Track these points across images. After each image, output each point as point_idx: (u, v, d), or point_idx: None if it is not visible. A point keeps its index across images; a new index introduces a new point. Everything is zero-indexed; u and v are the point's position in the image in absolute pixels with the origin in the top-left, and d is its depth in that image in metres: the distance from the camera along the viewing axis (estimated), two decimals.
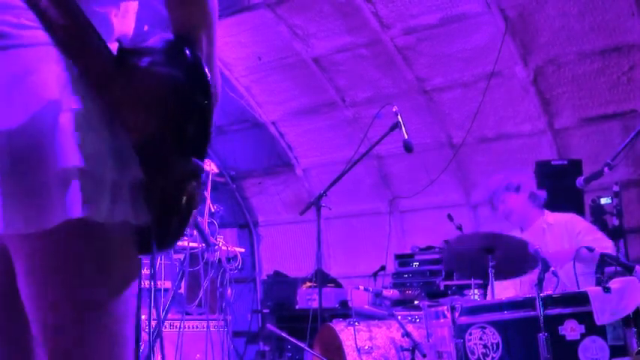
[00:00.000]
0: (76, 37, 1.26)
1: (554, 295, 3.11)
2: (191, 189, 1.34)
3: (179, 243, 4.52)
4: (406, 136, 4.54)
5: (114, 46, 1.34)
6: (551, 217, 4.33)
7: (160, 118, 1.30)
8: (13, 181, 1.20)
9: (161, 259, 4.60)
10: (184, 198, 1.34)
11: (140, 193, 1.30)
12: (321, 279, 4.81)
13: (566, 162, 5.66)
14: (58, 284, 1.24)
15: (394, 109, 4.63)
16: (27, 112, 1.21)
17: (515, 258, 3.80)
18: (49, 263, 1.24)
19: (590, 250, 3.51)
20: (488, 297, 4.21)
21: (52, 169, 1.20)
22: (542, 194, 4.35)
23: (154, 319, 3.33)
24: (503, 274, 3.77)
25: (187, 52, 1.34)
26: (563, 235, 4.14)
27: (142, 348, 3.24)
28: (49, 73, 1.24)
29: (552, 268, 3.33)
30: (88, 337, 1.26)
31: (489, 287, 3.72)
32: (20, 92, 1.22)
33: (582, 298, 3.04)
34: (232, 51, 7.00)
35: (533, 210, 4.34)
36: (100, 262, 1.27)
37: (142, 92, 1.29)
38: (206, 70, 1.34)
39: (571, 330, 3.01)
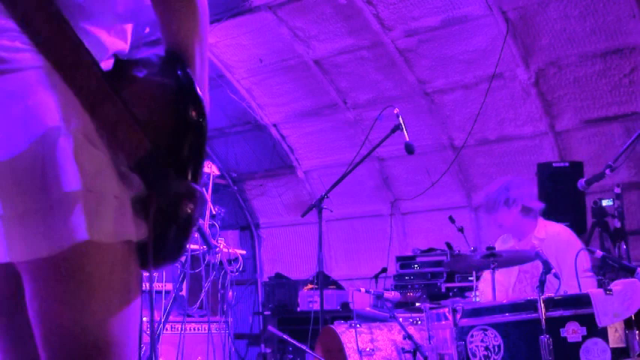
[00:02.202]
0: (69, 57, 1.26)
1: (555, 297, 3.11)
2: (187, 209, 1.35)
3: None
4: (407, 138, 4.54)
5: (108, 63, 1.35)
6: (543, 230, 4.19)
7: (154, 137, 1.31)
8: (16, 207, 1.21)
9: None
10: (182, 216, 1.34)
11: (139, 209, 1.31)
12: (323, 281, 4.81)
13: (567, 164, 5.66)
14: (64, 306, 1.24)
15: (395, 111, 4.63)
16: (27, 137, 1.21)
17: (516, 260, 3.82)
18: (54, 287, 1.24)
19: (592, 251, 3.51)
20: (480, 298, 4.23)
21: (55, 194, 1.21)
22: (537, 205, 4.20)
23: (155, 322, 3.33)
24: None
25: (179, 72, 1.34)
26: (554, 252, 4.01)
27: (142, 350, 3.24)
28: (47, 96, 1.24)
29: (554, 270, 3.33)
30: (92, 355, 1.26)
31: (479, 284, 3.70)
32: (19, 115, 1.22)
33: (584, 300, 3.03)
34: (234, 53, 7.01)
35: (525, 223, 4.19)
36: (106, 281, 1.27)
37: (136, 113, 1.30)
38: (198, 90, 1.34)
39: (573, 332, 3.00)
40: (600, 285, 3.15)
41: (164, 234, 1.34)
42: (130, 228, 1.29)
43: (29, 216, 1.21)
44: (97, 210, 1.24)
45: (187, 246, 1.44)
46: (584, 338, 2.98)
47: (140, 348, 2.44)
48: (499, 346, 3.11)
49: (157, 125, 1.31)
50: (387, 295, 4.91)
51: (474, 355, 3.18)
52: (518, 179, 4.47)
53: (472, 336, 3.20)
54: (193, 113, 1.33)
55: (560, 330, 3.01)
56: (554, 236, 4.10)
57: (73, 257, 1.23)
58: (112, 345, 1.28)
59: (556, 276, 3.35)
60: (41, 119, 1.22)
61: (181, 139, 1.33)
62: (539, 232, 4.16)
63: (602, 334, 2.98)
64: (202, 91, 1.36)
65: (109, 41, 1.37)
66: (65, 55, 1.26)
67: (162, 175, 1.31)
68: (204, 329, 4.82)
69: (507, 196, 4.14)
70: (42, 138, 1.21)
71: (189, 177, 1.35)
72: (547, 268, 3.28)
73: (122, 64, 1.36)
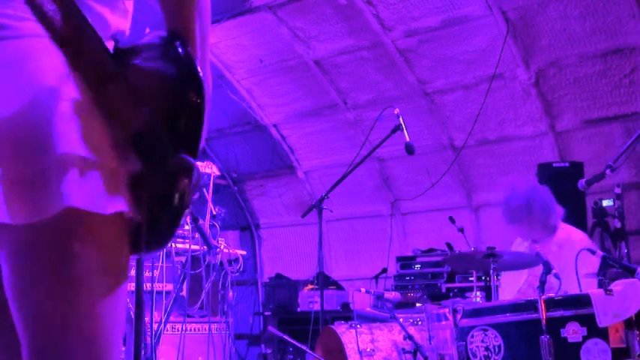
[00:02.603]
0: (73, 32, 1.26)
1: (556, 298, 3.11)
2: (182, 185, 1.33)
3: (180, 246, 4.53)
4: (408, 139, 4.54)
5: (110, 44, 1.35)
6: (563, 235, 4.16)
7: (153, 113, 1.30)
8: (14, 168, 1.19)
9: (162, 262, 4.60)
10: (176, 194, 1.33)
11: (135, 186, 1.29)
12: (323, 281, 4.81)
13: (567, 164, 5.66)
14: (49, 278, 1.21)
15: (396, 112, 4.63)
16: (26, 98, 1.20)
17: (517, 262, 3.82)
18: (35, 264, 1.21)
19: (592, 252, 3.50)
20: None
21: (48, 157, 1.19)
22: (560, 211, 4.16)
23: (155, 322, 3.33)
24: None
25: (179, 48, 1.34)
26: (573, 255, 3.98)
27: (143, 350, 3.24)
28: (48, 62, 1.24)
29: (554, 271, 3.33)
30: (74, 329, 1.22)
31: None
32: (19, 79, 1.22)
33: (584, 301, 3.03)
34: (234, 53, 7.02)
35: (548, 229, 4.18)
36: (94, 262, 1.24)
37: (136, 89, 1.30)
38: (198, 67, 1.35)
39: (573, 332, 3.00)
40: (600, 285, 3.15)
41: (159, 213, 1.32)
42: (123, 202, 1.26)
43: (20, 178, 1.19)
44: (90, 178, 1.21)
45: (177, 230, 1.41)
46: (585, 338, 2.98)
47: (141, 349, 2.44)
48: (499, 347, 3.12)
49: (156, 102, 1.31)
50: (387, 295, 4.91)
51: (475, 356, 3.18)
52: (539, 185, 4.39)
53: (472, 336, 3.20)
54: (192, 94, 1.33)
55: (561, 330, 3.01)
56: (572, 241, 4.08)
57: (60, 227, 1.19)
58: (98, 332, 1.24)
59: (556, 276, 3.34)
60: (40, 84, 1.21)
61: (180, 117, 1.33)
62: (560, 235, 4.13)
63: (603, 334, 2.98)
64: (203, 69, 1.36)
65: (112, 19, 1.36)
66: (68, 28, 1.25)
67: (158, 150, 1.30)
68: (205, 330, 4.82)
69: (536, 204, 4.08)
70: (41, 99, 1.20)
71: (186, 152, 1.33)
72: (547, 268, 3.28)
73: (125, 44, 1.36)
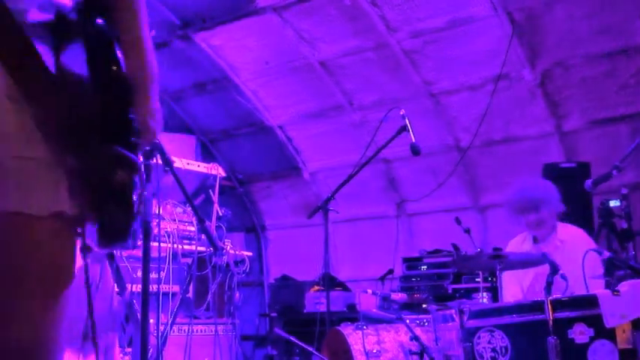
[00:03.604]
0: (12, 49, 1.23)
1: (562, 299, 3.10)
2: (120, 177, 1.32)
3: (187, 247, 4.53)
4: (413, 140, 4.53)
5: (42, 15, 1.30)
6: (564, 233, 4.21)
7: (81, 106, 1.29)
8: None
9: (169, 264, 4.60)
10: (116, 187, 1.32)
11: (77, 184, 1.27)
12: (329, 283, 4.81)
13: (574, 165, 5.64)
14: None
15: (401, 113, 4.63)
16: None
17: (523, 263, 3.81)
18: None
19: (599, 252, 3.49)
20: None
21: None
22: (563, 209, 4.24)
23: (162, 323, 3.34)
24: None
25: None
26: (574, 254, 4.00)
27: (150, 351, 3.24)
28: None
29: (561, 272, 3.32)
30: (12, 333, 1.20)
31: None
32: None
33: (591, 301, 3.02)
34: (239, 55, 7.02)
35: (552, 225, 4.23)
36: (35, 264, 1.22)
37: (63, 83, 1.28)
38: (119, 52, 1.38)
39: (580, 333, 2.99)
40: (608, 286, 3.14)
41: (104, 207, 1.31)
42: (63, 200, 1.24)
43: None
44: (28, 179, 1.19)
45: (135, 224, 1.39)
46: (592, 339, 2.97)
47: (147, 350, 2.45)
48: (506, 348, 3.11)
49: (83, 93, 1.30)
50: (393, 296, 4.91)
51: (481, 357, 3.17)
52: (548, 182, 4.42)
53: (479, 337, 3.20)
54: (118, 89, 1.35)
55: (568, 331, 3.00)
56: (574, 240, 4.11)
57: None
58: (38, 340, 1.21)
59: (563, 277, 3.34)
60: None
61: (109, 110, 1.33)
62: (561, 234, 4.17)
63: (610, 335, 2.97)
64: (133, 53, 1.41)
65: None
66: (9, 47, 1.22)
67: (87, 141, 1.28)
68: (211, 331, 4.83)
69: (545, 198, 4.13)
70: None
71: (121, 144, 1.33)
72: (554, 269, 3.27)
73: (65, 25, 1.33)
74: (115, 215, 1.34)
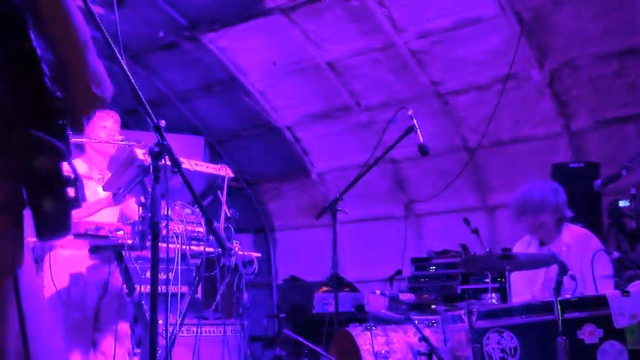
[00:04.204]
0: None
1: (572, 299, 3.09)
2: (40, 163, 1.27)
3: (195, 248, 4.54)
4: (421, 140, 4.52)
5: None
6: (569, 235, 4.16)
7: None
8: None
9: (177, 264, 4.61)
10: (37, 173, 1.27)
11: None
12: (337, 283, 4.81)
13: (583, 165, 5.62)
14: None
15: (409, 113, 4.62)
16: None
17: (532, 264, 3.80)
18: None
19: (609, 253, 3.48)
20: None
21: None
22: (569, 213, 4.16)
23: (170, 324, 3.34)
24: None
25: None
26: (580, 256, 3.98)
27: (158, 352, 3.25)
28: None
29: (570, 272, 3.30)
30: None
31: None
32: None
33: (601, 302, 3.01)
34: (247, 56, 7.03)
35: (557, 228, 4.20)
36: None
37: None
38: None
39: (589, 334, 2.98)
40: (617, 286, 3.13)
41: (31, 195, 1.27)
42: None
43: None
44: None
45: (72, 212, 1.34)
46: (601, 340, 2.96)
47: (156, 351, 2.45)
48: (515, 349, 3.10)
49: None
50: (402, 297, 4.91)
51: (490, 358, 3.17)
52: (554, 185, 4.38)
53: (488, 338, 3.19)
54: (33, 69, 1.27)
55: (577, 332, 2.99)
56: (580, 241, 4.06)
57: None
58: None
59: (572, 278, 3.32)
60: None
61: (19, 88, 1.27)
62: (566, 237, 4.12)
63: (619, 335, 2.96)
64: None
65: None
66: None
67: (3, 132, 1.24)
68: (220, 332, 4.84)
69: (544, 203, 4.08)
70: None
71: (40, 129, 1.27)
72: (563, 269, 3.26)
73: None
74: (46, 203, 1.29)
